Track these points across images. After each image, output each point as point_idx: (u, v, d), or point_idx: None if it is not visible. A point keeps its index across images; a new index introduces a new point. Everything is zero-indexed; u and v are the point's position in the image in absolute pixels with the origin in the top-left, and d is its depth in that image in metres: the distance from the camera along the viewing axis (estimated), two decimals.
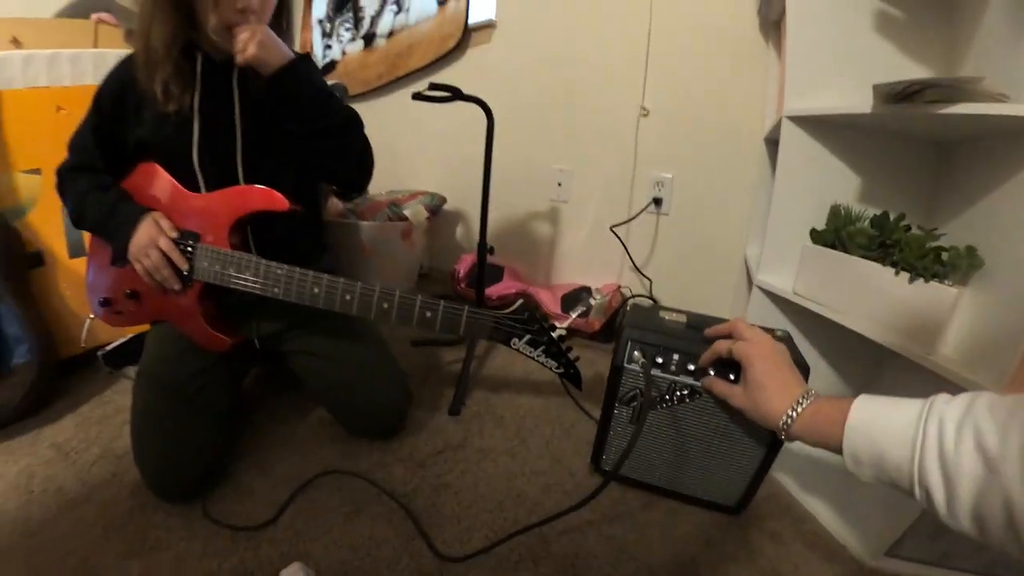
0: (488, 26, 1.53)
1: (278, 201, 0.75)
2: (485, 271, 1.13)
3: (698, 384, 0.66)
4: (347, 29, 1.86)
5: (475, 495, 0.77)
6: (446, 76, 1.68)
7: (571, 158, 1.44)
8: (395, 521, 0.73)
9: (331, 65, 1.93)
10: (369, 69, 1.80)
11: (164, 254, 0.77)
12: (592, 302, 1.19)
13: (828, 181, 0.84)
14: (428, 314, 0.73)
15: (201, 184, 0.81)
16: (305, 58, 0.79)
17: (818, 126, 0.82)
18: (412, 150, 1.78)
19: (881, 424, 0.42)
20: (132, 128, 0.83)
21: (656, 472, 0.76)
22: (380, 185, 1.08)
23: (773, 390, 0.53)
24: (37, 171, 1.14)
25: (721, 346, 0.61)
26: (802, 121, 0.83)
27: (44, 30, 1.50)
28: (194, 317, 0.80)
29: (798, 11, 0.85)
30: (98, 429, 1.00)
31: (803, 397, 0.50)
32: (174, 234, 0.78)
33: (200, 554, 0.70)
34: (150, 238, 0.76)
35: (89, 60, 1.27)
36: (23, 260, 1.11)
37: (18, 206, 1.13)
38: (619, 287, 1.31)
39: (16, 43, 1.42)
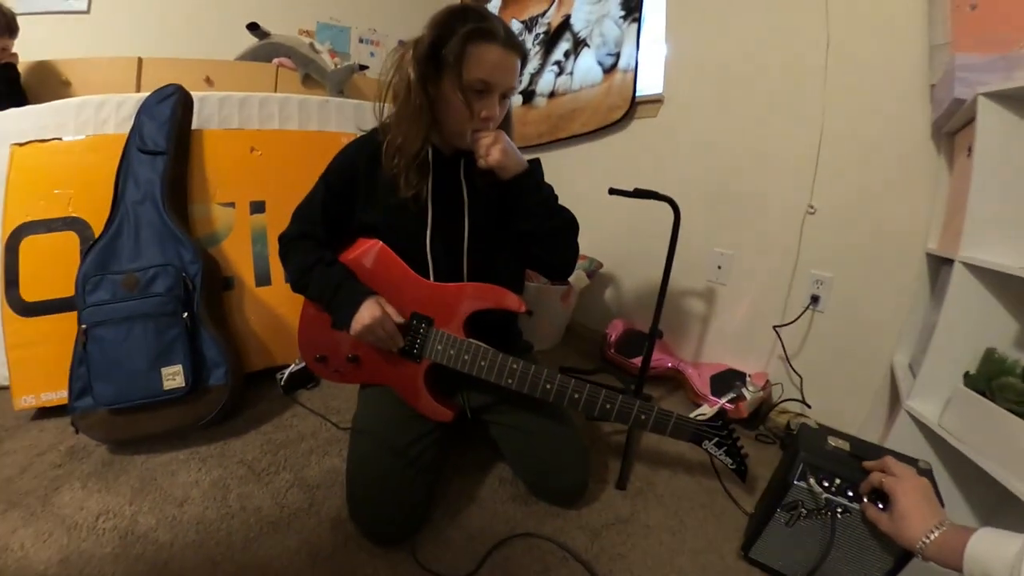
0: (656, 100, 1.68)
1: (518, 304, 0.90)
2: (636, 342, 1.25)
3: (852, 505, 0.84)
4: None
5: (645, 568, 0.95)
6: (609, 144, 1.84)
7: (733, 243, 1.59)
8: None
9: None
10: (528, 126, 1.98)
11: (387, 333, 0.92)
12: (746, 393, 1.36)
13: (988, 324, 0.96)
14: (643, 416, 0.89)
15: (431, 269, 0.95)
16: (537, 165, 0.91)
17: (990, 275, 0.92)
18: None
19: (991, 554, 0.61)
20: (361, 208, 0.99)
21: (795, 566, 0.92)
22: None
23: (913, 520, 0.71)
24: (231, 205, 1.33)
25: (876, 478, 0.79)
26: (975, 270, 0.93)
27: (232, 71, 1.74)
28: (419, 390, 0.97)
29: (986, 164, 0.94)
30: (285, 454, 1.18)
31: (936, 527, 0.69)
32: (400, 320, 0.94)
33: None
34: (373, 319, 0.91)
35: (275, 104, 1.47)
36: (220, 286, 1.27)
37: (215, 235, 1.33)
38: (769, 380, 1.47)
39: (209, 82, 1.62)
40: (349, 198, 0.98)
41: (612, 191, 1.19)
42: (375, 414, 1.02)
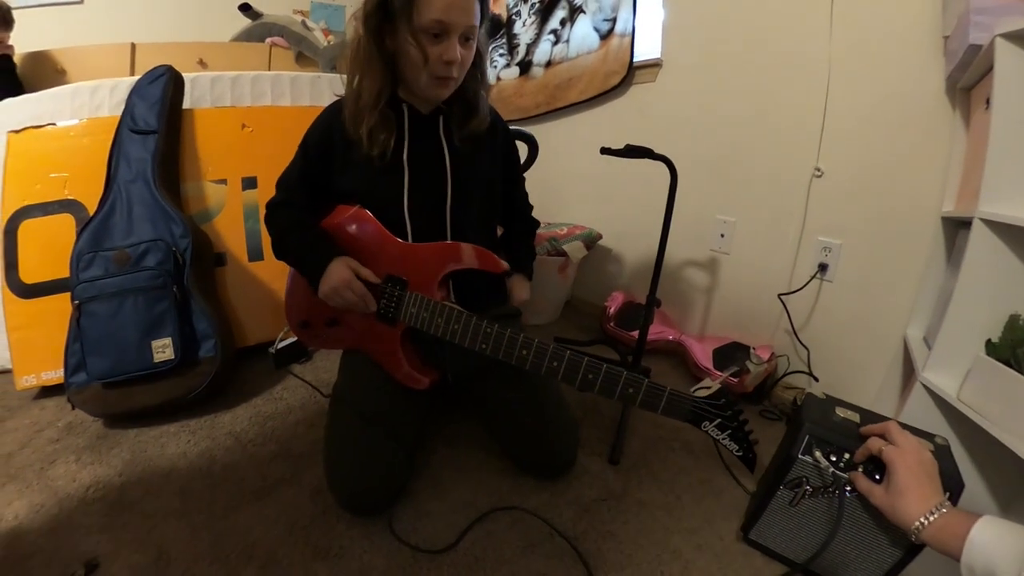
0: (654, 65, 1.62)
1: (496, 264, 0.85)
2: (635, 314, 1.20)
3: None
4: (501, 55, 1.95)
5: (636, 546, 0.90)
6: (607, 112, 1.79)
7: (736, 210, 1.51)
8: (566, 562, 0.85)
9: None
10: (526, 97, 1.94)
11: (356, 295, 0.89)
12: (750, 366, 1.28)
13: (1012, 287, 0.88)
14: (631, 390, 0.82)
15: (408, 231, 0.92)
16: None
17: (1013, 232, 0.85)
18: (565, 181, 1.95)
19: (997, 546, 0.55)
20: (338, 173, 0.96)
21: (799, 549, 0.85)
22: (535, 216, 1.19)
23: (910, 498, 0.65)
24: (223, 181, 1.34)
25: (875, 444, 0.72)
26: (997, 226, 0.86)
27: (226, 52, 1.76)
28: (395, 356, 0.93)
29: (1005, 111, 0.86)
30: (272, 425, 1.17)
31: (936, 508, 0.62)
32: (375, 281, 0.91)
33: (384, 569, 0.82)
34: (341, 280, 0.89)
35: (267, 82, 1.47)
36: (211, 261, 1.28)
37: (207, 212, 1.33)
38: (774, 353, 1.39)
39: (202, 64, 1.65)
40: (327, 163, 0.95)
41: (604, 151, 1.13)
42: (352, 381, 1.00)
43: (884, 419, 0.81)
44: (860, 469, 0.74)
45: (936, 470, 0.68)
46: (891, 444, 0.70)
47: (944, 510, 0.62)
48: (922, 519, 0.62)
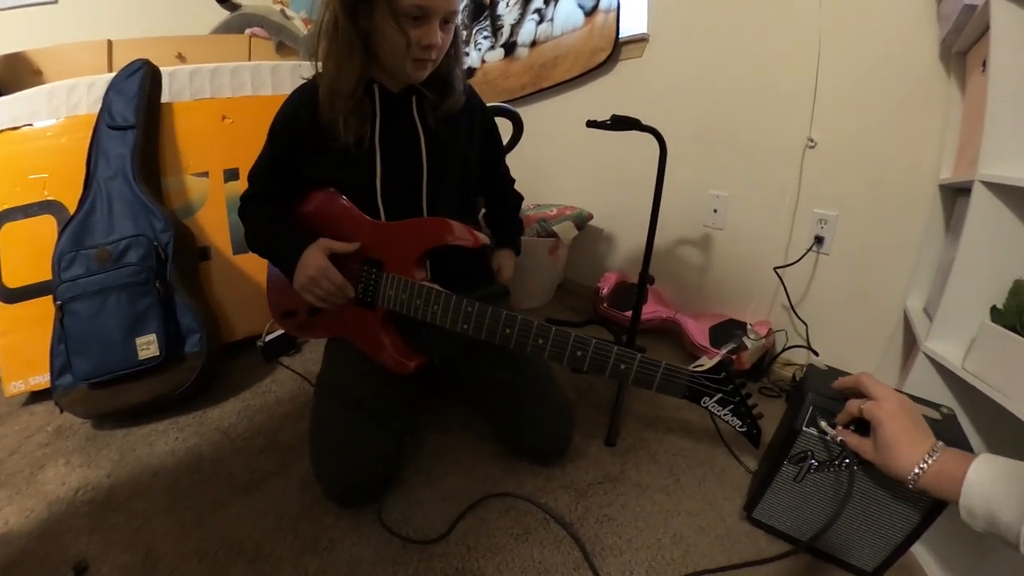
0: (640, 40, 1.57)
1: (473, 238, 0.81)
2: (629, 294, 1.17)
3: None
4: (485, 37, 1.92)
5: (634, 530, 0.87)
6: (594, 89, 1.75)
7: (729, 184, 1.47)
8: (562, 548, 0.82)
9: (469, 72, 2.09)
10: (512, 79, 1.91)
11: (334, 284, 0.85)
12: (748, 342, 1.25)
13: (1015, 252, 0.84)
14: (622, 367, 0.78)
15: (381, 213, 0.88)
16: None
17: (1015, 194, 0.81)
18: (554, 162, 1.91)
19: (997, 487, 0.51)
20: (308, 159, 0.92)
21: (805, 527, 0.82)
22: (525, 197, 1.15)
23: (901, 449, 0.61)
24: (205, 174, 1.31)
25: (853, 406, 0.68)
26: (998, 188, 0.82)
27: (204, 45, 1.73)
28: (378, 340, 0.90)
29: (1003, 71, 0.83)
30: (261, 418, 1.15)
31: (930, 453, 0.59)
32: (350, 249, 0.87)
33: (373, 560, 0.80)
34: (317, 268, 0.85)
35: (247, 72, 1.44)
36: (195, 255, 1.25)
37: (189, 205, 1.30)
38: (771, 328, 1.36)
39: (181, 58, 1.62)
40: (295, 149, 0.91)
41: (590, 123, 1.09)
42: (337, 369, 0.98)
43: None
44: (840, 427, 0.71)
45: (919, 412, 0.65)
46: (868, 399, 0.67)
47: (938, 454, 0.58)
48: (917, 468, 0.58)
